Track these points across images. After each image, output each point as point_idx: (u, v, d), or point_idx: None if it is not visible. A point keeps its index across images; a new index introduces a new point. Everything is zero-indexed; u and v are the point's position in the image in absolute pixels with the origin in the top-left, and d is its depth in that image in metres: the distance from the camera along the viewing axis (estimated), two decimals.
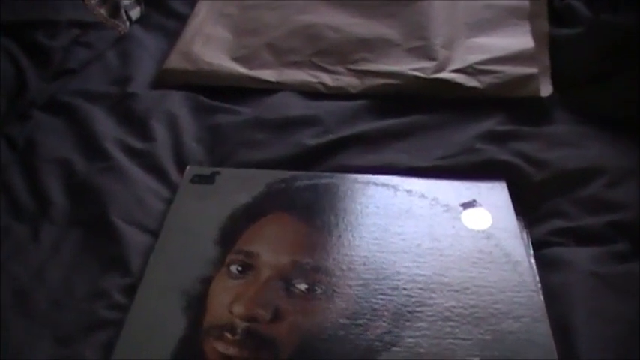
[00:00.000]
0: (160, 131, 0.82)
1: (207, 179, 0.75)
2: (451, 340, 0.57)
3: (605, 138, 0.78)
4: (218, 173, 0.75)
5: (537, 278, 0.63)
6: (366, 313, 0.59)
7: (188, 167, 0.77)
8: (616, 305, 0.60)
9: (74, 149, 0.79)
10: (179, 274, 0.63)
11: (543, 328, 0.58)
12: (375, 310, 0.59)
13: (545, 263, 0.65)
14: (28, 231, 0.70)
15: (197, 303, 0.60)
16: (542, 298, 0.61)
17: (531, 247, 0.67)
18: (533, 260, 0.65)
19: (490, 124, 0.80)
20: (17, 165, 0.77)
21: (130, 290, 0.63)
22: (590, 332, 0.58)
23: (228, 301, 0.60)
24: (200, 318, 0.59)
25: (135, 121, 0.83)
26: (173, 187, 0.75)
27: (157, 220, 0.71)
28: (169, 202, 0.73)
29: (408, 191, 0.72)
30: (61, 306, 0.62)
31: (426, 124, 0.81)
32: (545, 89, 0.85)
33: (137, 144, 0.80)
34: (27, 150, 0.79)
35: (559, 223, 0.69)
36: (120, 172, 0.75)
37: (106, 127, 0.82)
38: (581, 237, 0.67)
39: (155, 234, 0.69)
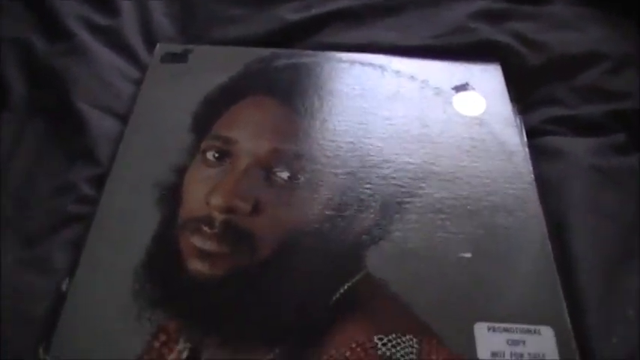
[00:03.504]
0: (125, 5, 0.75)
1: (180, 57, 0.69)
2: (442, 234, 0.54)
3: (608, 21, 0.73)
4: (191, 51, 0.69)
5: (532, 169, 0.59)
6: (352, 205, 0.55)
7: (158, 45, 0.71)
8: (614, 201, 0.58)
9: (33, 28, 0.72)
10: (151, 164, 0.59)
11: (538, 223, 0.55)
12: (362, 200, 0.56)
13: (539, 153, 0.62)
14: None
15: (171, 195, 0.56)
16: (537, 190, 0.58)
17: (525, 135, 0.63)
18: (527, 149, 0.61)
19: (485, 2, 0.75)
20: None
21: (99, 181, 0.59)
22: (588, 228, 0.55)
23: (204, 191, 0.55)
24: (175, 211, 0.55)
25: None
26: (142, 67, 0.69)
27: (125, 103, 0.66)
28: (139, 83, 0.67)
29: (397, 72, 0.67)
30: (25, 204, 0.58)
31: None
32: None
33: (101, 20, 0.73)
34: None
35: (555, 111, 0.65)
36: (84, 51, 0.69)
37: (67, 1, 0.75)
38: (579, 126, 0.64)
39: (124, 119, 0.64)
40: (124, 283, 0.51)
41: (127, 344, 0.48)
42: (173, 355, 0.47)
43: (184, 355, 0.47)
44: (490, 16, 0.73)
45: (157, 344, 0.48)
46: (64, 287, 0.51)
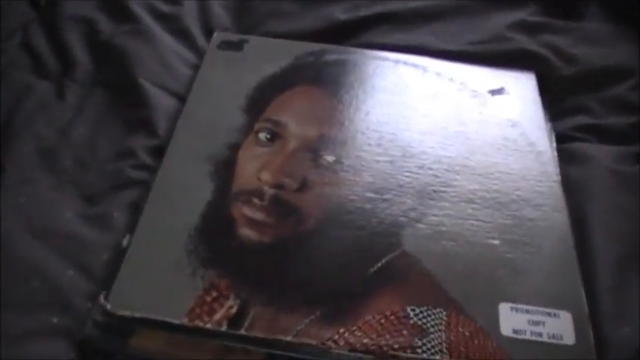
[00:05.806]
0: None
1: (235, 46, 0.74)
2: (473, 222, 0.58)
3: (636, 37, 0.77)
4: (246, 41, 0.74)
5: (558, 170, 0.63)
6: (392, 189, 0.60)
7: (216, 33, 0.76)
8: (633, 203, 0.61)
9: (99, 9, 0.77)
10: (207, 139, 0.63)
11: (562, 218, 0.59)
12: (400, 186, 0.60)
13: (566, 156, 0.65)
14: (52, 89, 0.69)
15: (224, 168, 0.61)
16: (562, 189, 0.61)
17: (554, 140, 0.67)
18: (555, 152, 0.65)
19: (522, 14, 0.79)
20: (39, 23, 0.76)
21: (157, 152, 0.63)
22: (606, 226, 0.59)
23: (256, 168, 0.60)
24: (228, 183, 0.59)
25: None
26: (200, 53, 0.74)
27: (183, 84, 0.70)
28: (196, 67, 0.72)
29: (437, 74, 0.72)
30: (87, 165, 0.63)
31: (459, 8, 0.80)
32: None
33: (164, 7, 0.78)
34: (49, 8, 0.77)
35: (583, 119, 0.69)
36: (146, 34, 0.74)
37: None
38: (604, 135, 0.68)
39: (181, 98, 0.69)
40: (180, 243, 0.55)
41: (180, 297, 0.51)
42: (223, 310, 0.51)
43: (233, 310, 0.51)
44: (526, 28, 0.77)
45: (208, 298, 0.51)
46: (124, 243, 0.55)
